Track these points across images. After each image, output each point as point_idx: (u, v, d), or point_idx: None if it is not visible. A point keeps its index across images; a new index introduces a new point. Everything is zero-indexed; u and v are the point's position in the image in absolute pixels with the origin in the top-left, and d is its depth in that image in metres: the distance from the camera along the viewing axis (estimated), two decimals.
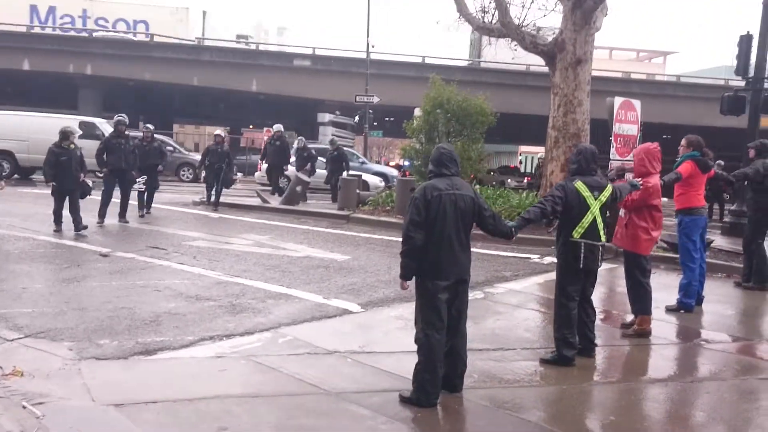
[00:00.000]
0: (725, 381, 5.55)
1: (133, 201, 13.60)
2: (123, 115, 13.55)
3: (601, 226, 5.67)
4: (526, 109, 33.58)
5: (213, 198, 16.23)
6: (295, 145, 20.52)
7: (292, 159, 20.07)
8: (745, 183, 9.64)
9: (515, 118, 33.59)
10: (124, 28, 44.29)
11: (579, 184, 5.64)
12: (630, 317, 6.97)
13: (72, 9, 44.69)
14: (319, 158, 20.56)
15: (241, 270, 8.90)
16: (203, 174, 16.65)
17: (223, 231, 12.64)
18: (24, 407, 4.30)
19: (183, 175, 27.22)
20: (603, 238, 5.70)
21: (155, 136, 15.39)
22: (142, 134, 14.97)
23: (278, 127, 20.01)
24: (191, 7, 62.74)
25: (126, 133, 13.21)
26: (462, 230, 4.81)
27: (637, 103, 12.82)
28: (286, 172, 19.76)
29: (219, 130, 17.24)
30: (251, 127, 41.36)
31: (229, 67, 34.98)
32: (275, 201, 17.52)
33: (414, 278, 4.80)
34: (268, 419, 4.36)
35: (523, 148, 64.70)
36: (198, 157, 22.58)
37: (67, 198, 11.23)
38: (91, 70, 34.82)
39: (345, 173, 18.65)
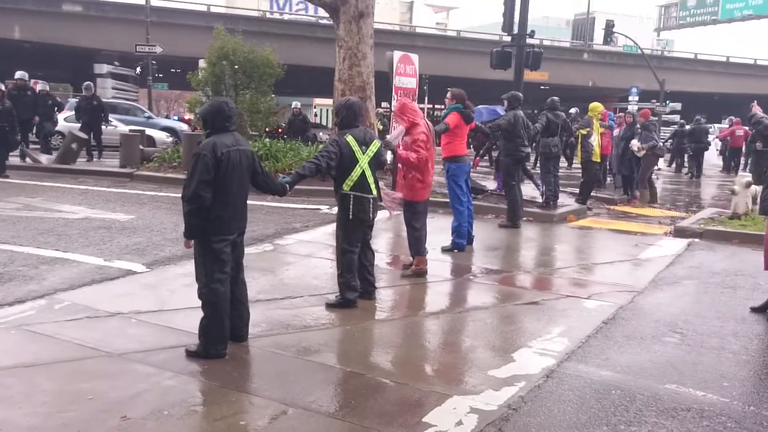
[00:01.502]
0: (488, 309, 6.20)
1: None
2: None
3: (371, 179, 5.91)
4: (317, 61, 33.71)
5: None
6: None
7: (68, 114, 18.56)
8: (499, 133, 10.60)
9: (307, 71, 33.68)
10: None
11: (350, 138, 5.83)
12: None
13: None
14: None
15: (9, 236, 8.20)
16: None
17: None
18: None
19: None
20: (374, 192, 5.96)
21: None
22: None
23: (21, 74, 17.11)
24: None
25: None
26: (244, 186, 4.84)
27: (415, 57, 13.45)
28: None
29: None
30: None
31: None
32: (46, 159, 16.15)
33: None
34: (45, 387, 4.16)
35: (318, 101, 65.12)
36: None
37: None
38: None
39: (104, 126, 17.50)
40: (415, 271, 7.14)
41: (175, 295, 6.25)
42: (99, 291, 6.23)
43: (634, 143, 13.78)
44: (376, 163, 6.03)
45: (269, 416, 3.85)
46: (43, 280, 6.39)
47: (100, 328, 5.26)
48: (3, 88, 14.06)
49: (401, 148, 6.85)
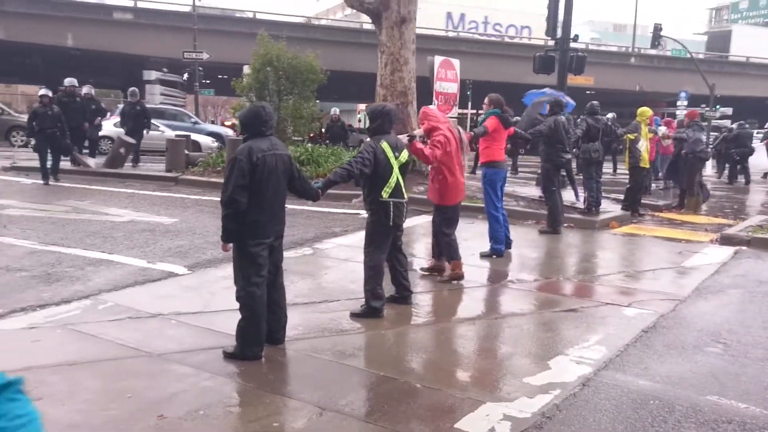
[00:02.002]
0: (525, 315, 6.15)
1: None
2: None
3: (403, 184, 5.92)
4: (360, 66, 33.88)
5: (50, 171, 14.03)
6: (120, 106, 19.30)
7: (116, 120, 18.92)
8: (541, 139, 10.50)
9: (350, 76, 33.87)
10: None
11: (385, 145, 5.82)
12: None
13: None
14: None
15: (57, 238, 8.45)
16: (32, 142, 14.51)
17: (37, 198, 11.85)
18: None
19: (14, 140, 24.53)
20: (406, 196, 5.99)
21: None
22: None
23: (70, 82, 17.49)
24: None
25: None
26: (283, 190, 4.89)
27: (456, 62, 13.44)
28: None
29: (43, 90, 14.64)
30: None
31: (41, 19, 32.10)
32: (94, 164, 16.57)
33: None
34: (87, 385, 4.28)
35: (361, 106, 65.44)
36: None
37: None
38: None
39: (146, 131, 17.70)
40: (452, 276, 7.13)
41: (215, 297, 6.36)
42: (141, 292, 6.37)
43: (662, 129, 13.51)
44: (405, 169, 6.05)
45: (304, 418, 3.89)
46: (88, 281, 6.57)
47: (141, 329, 5.38)
48: (50, 94, 14.41)
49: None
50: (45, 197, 11.86)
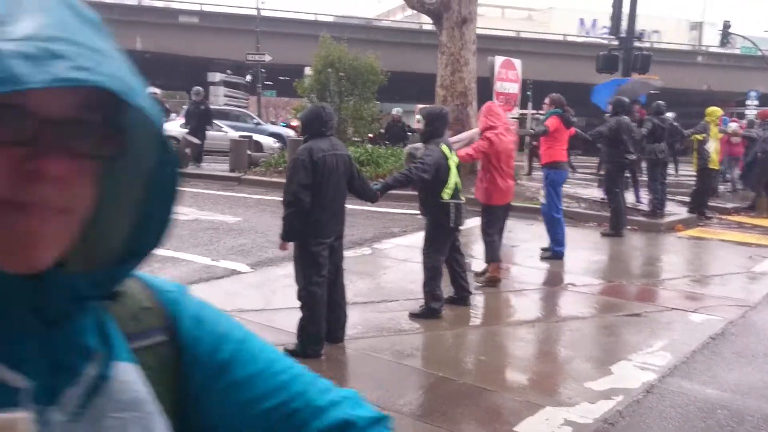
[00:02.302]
0: (586, 319, 6.05)
1: None
2: None
3: (460, 185, 5.92)
4: (420, 67, 33.88)
5: None
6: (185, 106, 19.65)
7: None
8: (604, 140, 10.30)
9: (410, 77, 33.90)
10: None
11: (444, 148, 5.81)
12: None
13: None
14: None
15: None
16: None
17: None
18: None
19: None
20: (463, 198, 5.98)
21: None
22: None
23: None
24: None
25: None
26: (341, 190, 4.93)
27: (517, 62, 13.30)
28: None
29: None
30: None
31: (111, 24, 32.52)
32: None
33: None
34: None
35: (420, 107, 65.37)
36: None
37: None
38: None
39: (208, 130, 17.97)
40: (488, 279, 7.03)
41: (277, 295, 6.47)
42: (206, 289, 6.53)
43: (732, 125, 13.07)
44: (459, 169, 6.03)
45: None
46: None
47: None
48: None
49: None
50: None
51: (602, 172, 16.52)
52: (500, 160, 6.88)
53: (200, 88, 18.47)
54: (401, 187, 5.92)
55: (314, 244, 4.81)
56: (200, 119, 17.51)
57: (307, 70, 17.39)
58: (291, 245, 4.93)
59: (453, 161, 5.84)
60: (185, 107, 19.63)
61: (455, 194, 5.83)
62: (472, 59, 14.63)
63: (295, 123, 39.01)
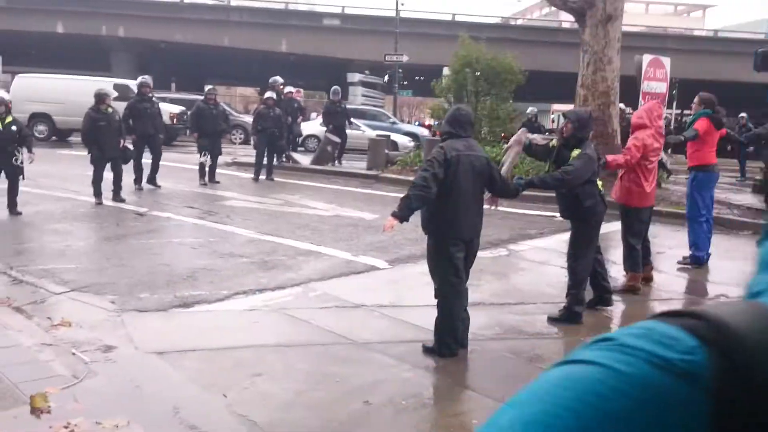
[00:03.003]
0: None
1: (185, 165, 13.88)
2: (147, 76, 13.24)
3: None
4: (558, 66, 33.07)
5: (265, 171, 14.56)
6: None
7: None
8: (763, 142, 9.62)
9: (547, 76, 33.18)
10: None
11: (595, 150, 5.74)
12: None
13: None
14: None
15: (272, 228, 9.19)
16: (254, 140, 15.13)
17: (254, 191, 12.95)
18: (73, 354, 4.64)
19: (234, 138, 26.19)
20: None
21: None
22: (205, 97, 13.99)
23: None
24: None
25: (151, 96, 13.04)
26: (477, 191, 4.94)
27: (666, 61, 12.71)
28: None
29: (269, 93, 15.38)
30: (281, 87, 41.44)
31: (259, 27, 35.02)
32: (305, 161, 17.73)
33: (429, 237, 4.98)
34: (300, 366, 4.65)
35: (556, 107, 63.86)
36: (248, 119, 21.88)
37: (109, 164, 10.64)
38: (124, 32, 35.15)
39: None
40: (627, 287, 6.75)
41: (413, 292, 6.58)
42: (346, 283, 6.77)
43: None
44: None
45: None
46: (299, 270, 7.10)
47: (346, 318, 5.73)
48: (275, 96, 15.32)
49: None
50: (261, 191, 12.94)
51: (758, 177, 15.49)
52: (648, 159, 6.64)
53: (338, 88, 18.87)
54: (547, 189, 5.87)
55: (451, 243, 4.85)
56: (338, 118, 17.91)
57: (445, 70, 17.47)
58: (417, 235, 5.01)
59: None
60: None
61: (601, 196, 5.76)
62: (615, 58, 14.11)
63: (428, 122, 39.39)
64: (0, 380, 4.15)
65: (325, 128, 18.42)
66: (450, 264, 4.88)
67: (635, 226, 6.80)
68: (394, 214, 4.80)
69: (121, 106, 12.52)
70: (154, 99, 13.32)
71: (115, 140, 10.62)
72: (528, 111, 19.74)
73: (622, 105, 15.90)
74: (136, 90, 13.70)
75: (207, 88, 13.59)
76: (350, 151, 20.26)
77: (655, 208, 7.22)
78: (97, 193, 10.54)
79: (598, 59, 14.02)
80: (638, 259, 6.78)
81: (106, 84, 19.39)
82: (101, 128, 10.46)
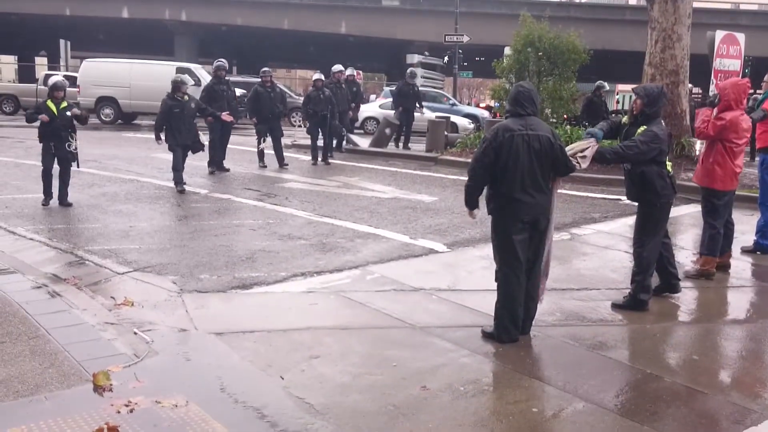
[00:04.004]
0: None
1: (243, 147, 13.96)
2: (223, 60, 13.39)
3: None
4: (624, 45, 32.17)
5: (322, 152, 14.43)
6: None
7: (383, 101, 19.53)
8: None
9: (612, 55, 32.28)
10: None
11: (664, 127, 5.49)
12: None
13: None
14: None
15: (330, 210, 9.18)
16: (306, 125, 14.95)
17: (313, 173, 12.99)
18: (135, 333, 4.72)
19: (294, 120, 26.41)
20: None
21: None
22: (261, 80, 13.76)
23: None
24: None
25: (227, 78, 13.21)
26: (537, 170, 4.70)
27: (740, 37, 12.13)
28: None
29: (317, 74, 15.12)
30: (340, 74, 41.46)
31: (318, 9, 35.10)
32: (364, 143, 17.69)
33: (491, 217, 4.86)
34: (357, 349, 4.61)
35: (621, 87, 62.04)
36: None
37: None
38: (186, 16, 35.76)
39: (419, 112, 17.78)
40: (699, 272, 6.50)
41: (473, 276, 6.48)
42: (404, 266, 6.70)
43: None
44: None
45: (563, 407, 3.81)
46: (357, 252, 7.06)
47: (404, 301, 5.66)
48: (323, 78, 15.12)
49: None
50: (319, 173, 12.97)
51: None
52: (739, 138, 6.33)
53: (414, 70, 18.40)
54: (607, 163, 5.72)
55: (511, 223, 4.72)
56: (410, 101, 17.59)
57: (507, 50, 17.11)
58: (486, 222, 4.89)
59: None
60: (385, 89, 20.00)
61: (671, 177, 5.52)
62: (685, 34, 13.54)
63: (483, 104, 38.76)
64: (65, 358, 4.24)
65: (392, 110, 18.18)
66: (507, 246, 4.75)
67: (718, 209, 6.51)
68: (467, 205, 5.02)
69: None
70: (229, 81, 13.46)
71: (188, 128, 10.63)
72: (597, 84, 18.50)
73: (690, 85, 15.30)
74: (199, 74, 13.81)
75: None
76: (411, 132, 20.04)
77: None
78: (179, 180, 10.49)
79: (667, 36, 13.49)
80: (717, 243, 6.50)
81: (169, 68, 19.78)
82: (176, 115, 10.47)
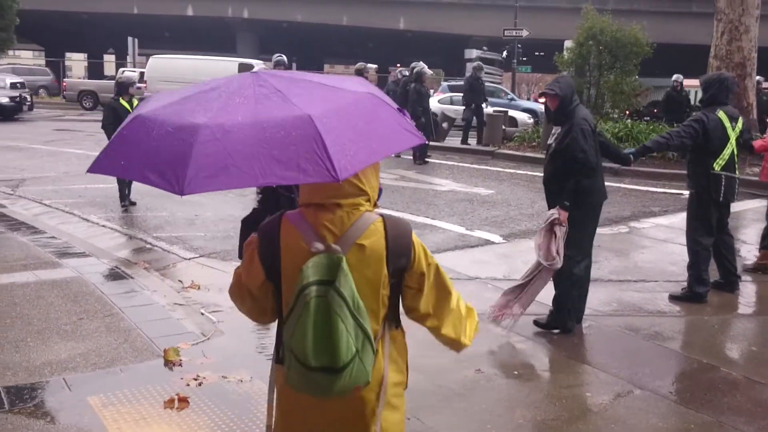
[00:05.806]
0: None
1: None
2: (281, 55, 13.67)
3: (737, 158, 5.46)
4: (688, 38, 31.30)
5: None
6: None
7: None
8: None
9: (676, 49, 31.47)
10: None
11: (722, 114, 5.39)
12: None
13: None
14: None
15: (388, 202, 9.30)
16: None
17: None
18: (202, 314, 4.96)
19: None
20: (738, 172, 5.50)
21: None
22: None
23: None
24: None
25: None
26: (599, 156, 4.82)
27: None
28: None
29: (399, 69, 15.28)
30: (398, 66, 41.66)
31: (378, 4, 35.27)
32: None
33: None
34: (412, 332, 4.68)
35: (686, 82, 60.30)
36: None
37: None
38: (248, 13, 36.46)
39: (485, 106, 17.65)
40: (757, 266, 6.42)
41: (528, 266, 6.48)
42: (461, 256, 6.79)
43: None
44: (739, 141, 5.51)
45: (616, 393, 3.86)
46: None
47: (460, 290, 5.56)
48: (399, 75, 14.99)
49: None
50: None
51: None
52: None
53: (481, 64, 18.38)
54: (658, 152, 5.69)
55: (590, 207, 4.74)
56: (480, 97, 17.07)
57: (568, 43, 16.95)
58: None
59: (734, 131, 5.40)
60: (443, 83, 20.01)
61: (728, 166, 5.40)
62: (753, 26, 13.20)
63: (542, 100, 38.18)
64: (137, 335, 4.50)
65: (446, 105, 18.19)
66: (588, 236, 4.83)
67: None
68: (567, 199, 4.60)
69: None
70: None
71: None
72: (673, 78, 17.64)
73: (759, 77, 14.86)
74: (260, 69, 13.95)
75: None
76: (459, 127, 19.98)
77: None
78: None
79: (734, 28, 13.17)
80: None
81: (231, 64, 20.25)
82: None
